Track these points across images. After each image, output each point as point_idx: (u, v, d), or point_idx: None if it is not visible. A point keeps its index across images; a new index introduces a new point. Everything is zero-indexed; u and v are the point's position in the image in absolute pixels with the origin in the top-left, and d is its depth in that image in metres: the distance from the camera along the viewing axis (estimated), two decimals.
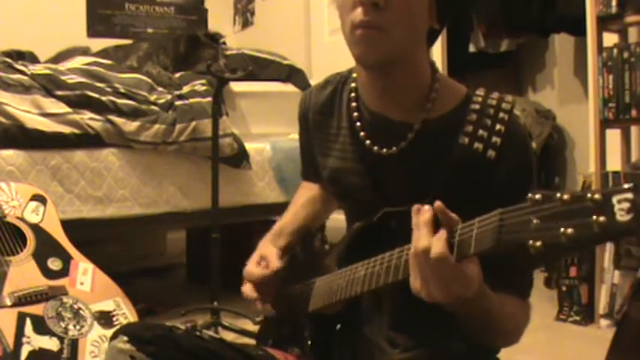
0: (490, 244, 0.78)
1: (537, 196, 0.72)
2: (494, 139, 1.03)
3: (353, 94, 1.17)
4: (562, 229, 0.69)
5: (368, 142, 1.13)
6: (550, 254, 0.72)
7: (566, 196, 0.70)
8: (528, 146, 1.09)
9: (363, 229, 1.11)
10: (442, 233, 0.85)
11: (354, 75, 1.19)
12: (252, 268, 1.26)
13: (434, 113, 1.09)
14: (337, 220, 1.34)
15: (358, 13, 1.00)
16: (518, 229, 0.74)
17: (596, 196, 0.67)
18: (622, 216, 0.66)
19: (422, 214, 0.88)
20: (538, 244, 0.71)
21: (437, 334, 1.03)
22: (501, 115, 1.05)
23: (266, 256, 1.25)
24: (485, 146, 1.03)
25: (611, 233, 0.67)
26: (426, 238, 0.86)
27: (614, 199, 0.66)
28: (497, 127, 1.04)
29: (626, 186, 0.67)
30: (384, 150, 1.11)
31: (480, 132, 1.04)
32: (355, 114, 1.15)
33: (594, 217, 0.67)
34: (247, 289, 1.26)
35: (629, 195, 0.66)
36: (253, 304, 1.28)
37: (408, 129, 1.09)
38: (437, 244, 0.85)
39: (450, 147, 1.04)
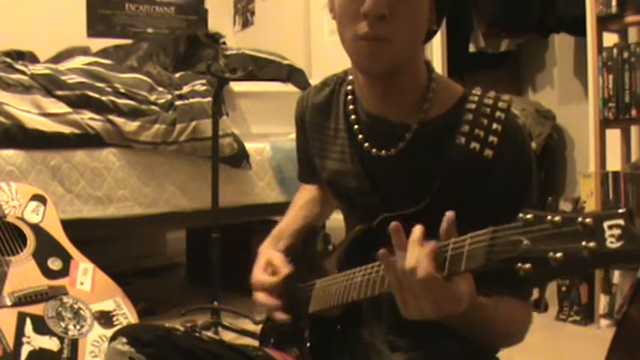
0: (481, 263, 0.77)
1: (529, 216, 0.71)
2: (491, 138, 1.03)
3: (350, 97, 1.17)
4: (551, 253, 0.68)
5: (366, 144, 1.13)
6: (539, 277, 0.71)
7: (557, 218, 0.69)
8: (526, 145, 1.09)
9: (362, 232, 1.11)
10: (427, 250, 0.84)
11: (350, 77, 1.18)
12: (260, 275, 1.23)
13: (431, 113, 1.08)
14: (338, 220, 1.34)
15: (363, 25, 0.99)
16: (509, 250, 0.73)
17: (587, 220, 0.66)
18: (612, 243, 0.65)
19: (413, 233, 0.87)
20: (527, 266, 0.70)
21: (436, 337, 1.02)
22: (498, 114, 1.04)
23: (272, 262, 1.23)
24: (482, 145, 1.02)
25: (600, 260, 0.66)
26: (414, 258, 0.85)
27: (606, 225, 0.65)
28: (494, 126, 1.03)
29: (618, 211, 0.66)
30: (383, 152, 1.11)
31: (477, 131, 1.03)
32: (353, 116, 1.15)
33: (584, 242, 0.66)
34: (262, 297, 1.21)
35: (621, 221, 0.65)
36: (255, 306, 1.26)
37: (405, 130, 1.09)
38: (423, 262, 0.84)
39: (447, 147, 1.04)
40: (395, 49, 1.01)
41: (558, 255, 0.67)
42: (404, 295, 0.88)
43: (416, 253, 0.85)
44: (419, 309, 0.87)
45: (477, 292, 0.92)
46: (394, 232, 0.88)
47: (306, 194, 1.39)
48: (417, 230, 0.87)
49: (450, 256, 0.83)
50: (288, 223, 1.34)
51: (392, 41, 1.00)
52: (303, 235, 1.31)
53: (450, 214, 0.86)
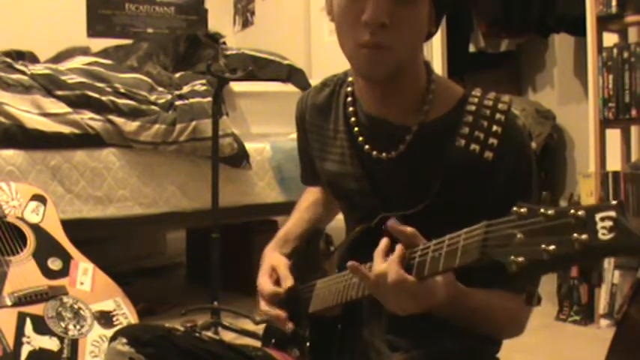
0: (476, 257, 0.78)
1: (522, 210, 0.72)
2: (491, 140, 1.03)
3: (350, 99, 1.17)
4: (544, 246, 0.68)
5: (367, 146, 1.13)
6: (532, 270, 0.71)
7: (550, 212, 0.69)
8: (526, 146, 1.09)
9: (362, 232, 1.11)
10: (394, 257, 0.90)
11: (350, 79, 1.18)
12: (264, 282, 1.23)
13: (431, 115, 1.08)
14: (339, 220, 1.34)
15: (363, 33, 0.99)
16: (503, 244, 0.73)
17: (580, 212, 0.67)
18: (604, 235, 0.65)
19: (379, 246, 0.94)
20: (520, 259, 0.70)
21: (436, 336, 1.03)
22: (498, 115, 1.04)
23: (276, 268, 1.23)
24: (482, 148, 1.03)
25: (592, 252, 0.66)
26: (380, 265, 0.91)
27: (597, 217, 0.66)
28: (494, 128, 1.03)
29: (610, 203, 0.66)
30: (383, 154, 1.11)
31: (476, 133, 1.03)
32: (353, 118, 1.15)
33: (575, 234, 0.66)
34: (266, 307, 1.21)
35: (612, 213, 0.65)
36: (259, 310, 1.26)
37: (405, 132, 1.09)
38: (392, 270, 0.89)
39: (447, 149, 1.04)
40: (396, 56, 1.01)
41: (551, 247, 0.68)
42: (381, 295, 0.93)
43: (381, 262, 0.91)
44: (398, 306, 0.92)
45: (467, 286, 0.96)
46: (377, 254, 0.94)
47: (310, 196, 1.38)
48: (382, 243, 0.94)
49: (446, 252, 0.84)
50: (293, 226, 1.34)
51: (393, 49, 1.00)
52: (308, 235, 1.31)
53: (390, 223, 0.93)
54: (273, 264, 1.25)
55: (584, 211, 0.67)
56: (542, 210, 0.70)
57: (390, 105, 1.10)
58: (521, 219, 0.72)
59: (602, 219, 0.65)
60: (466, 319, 1.00)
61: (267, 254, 1.29)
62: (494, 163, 1.03)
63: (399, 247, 0.91)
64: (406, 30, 1.00)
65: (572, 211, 0.67)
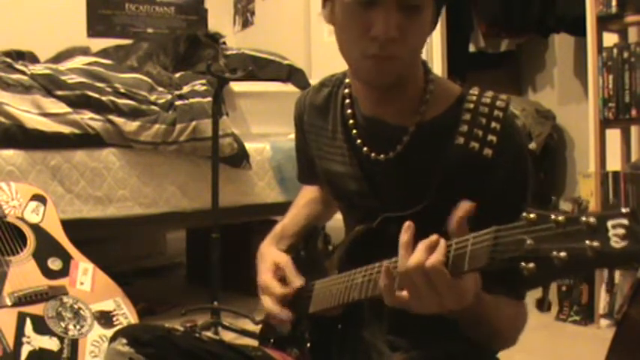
0: (484, 263, 0.77)
1: (532, 216, 0.71)
2: (490, 137, 1.03)
3: (347, 100, 1.17)
4: (555, 253, 0.68)
5: (365, 148, 1.12)
6: (543, 277, 0.70)
7: (560, 218, 0.69)
8: (524, 144, 1.09)
9: (362, 233, 1.11)
10: (440, 247, 0.84)
11: (347, 80, 1.18)
12: (270, 280, 1.20)
13: (428, 115, 1.08)
14: (338, 220, 1.34)
15: (371, 46, 0.99)
16: (512, 250, 0.73)
17: (591, 219, 0.66)
18: (617, 242, 0.65)
19: (428, 239, 0.87)
20: (531, 266, 0.70)
21: (436, 337, 1.03)
22: (496, 112, 1.04)
23: (280, 266, 1.21)
24: (482, 145, 1.03)
25: (605, 259, 0.66)
26: (423, 253, 0.85)
27: (609, 224, 0.65)
28: (493, 125, 1.03)
29: (622, 210, 0.66)
30: (382, 156, 1.11)
31: (476, 131, 1.03)
32: (351, 120, 1.15)
33: (588, 241, 0.66)
34: (273, 306, 1.18)
35: (625, 221, 0.65)
36: (261, 308, 1.23)
37: (403, 132, 1.08)
38: (434, 256, 0.84)
39: (446, 148, 1.04)
40: (402, 65, 1.02)
41: (562, 254, 0.67)
42: (408, 290, 0.87)
43: (422, 252, 0.85)
44: (422, 304, 0.87)
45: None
46: (405, 229, 0.88)
47: (308, 194, 1.38)
48: (434, 237, 0.87)
49: (454, 256, 0.83)
50: (290, 223, 1.33)
51: (399, 58, 1.01)
52: (303, 235, 1.31)
53: (465, 206, 0.85)
54: (277, 261, 1.22)
55: (595, 218, 0.66)
56: (552, 216, 0.70)
57: (387, 106, 1.10)
58: (531, 225, 0.71)
59: (614, 226, 0.65)
60: (473, 323, 0.98)
61: (264, 250, 1.28)
62: (493, 160, 1.03)
63: (443, 242, 0.86)
64: (412, 39, 1.01)
65: (583, 217, 0.67)
